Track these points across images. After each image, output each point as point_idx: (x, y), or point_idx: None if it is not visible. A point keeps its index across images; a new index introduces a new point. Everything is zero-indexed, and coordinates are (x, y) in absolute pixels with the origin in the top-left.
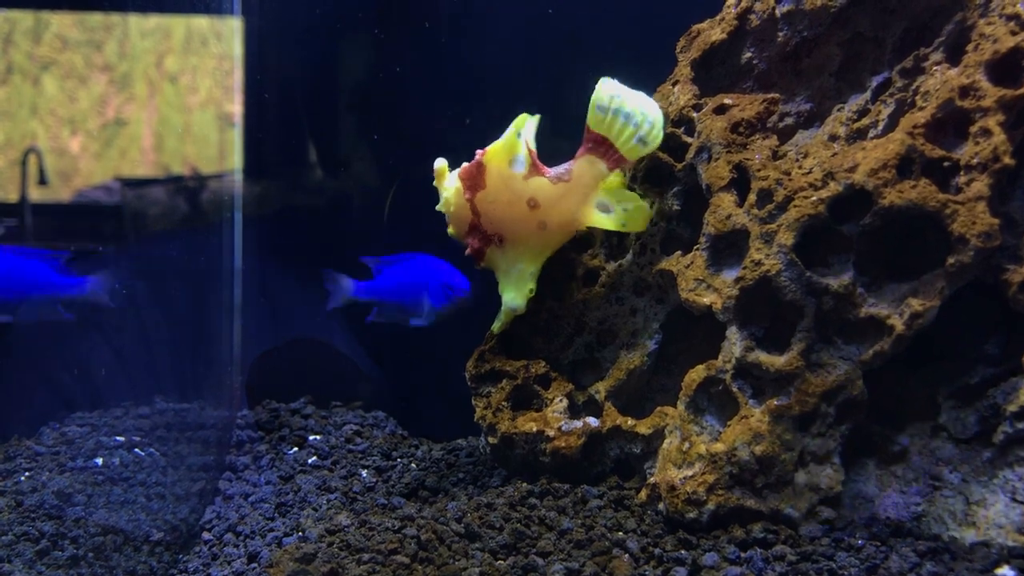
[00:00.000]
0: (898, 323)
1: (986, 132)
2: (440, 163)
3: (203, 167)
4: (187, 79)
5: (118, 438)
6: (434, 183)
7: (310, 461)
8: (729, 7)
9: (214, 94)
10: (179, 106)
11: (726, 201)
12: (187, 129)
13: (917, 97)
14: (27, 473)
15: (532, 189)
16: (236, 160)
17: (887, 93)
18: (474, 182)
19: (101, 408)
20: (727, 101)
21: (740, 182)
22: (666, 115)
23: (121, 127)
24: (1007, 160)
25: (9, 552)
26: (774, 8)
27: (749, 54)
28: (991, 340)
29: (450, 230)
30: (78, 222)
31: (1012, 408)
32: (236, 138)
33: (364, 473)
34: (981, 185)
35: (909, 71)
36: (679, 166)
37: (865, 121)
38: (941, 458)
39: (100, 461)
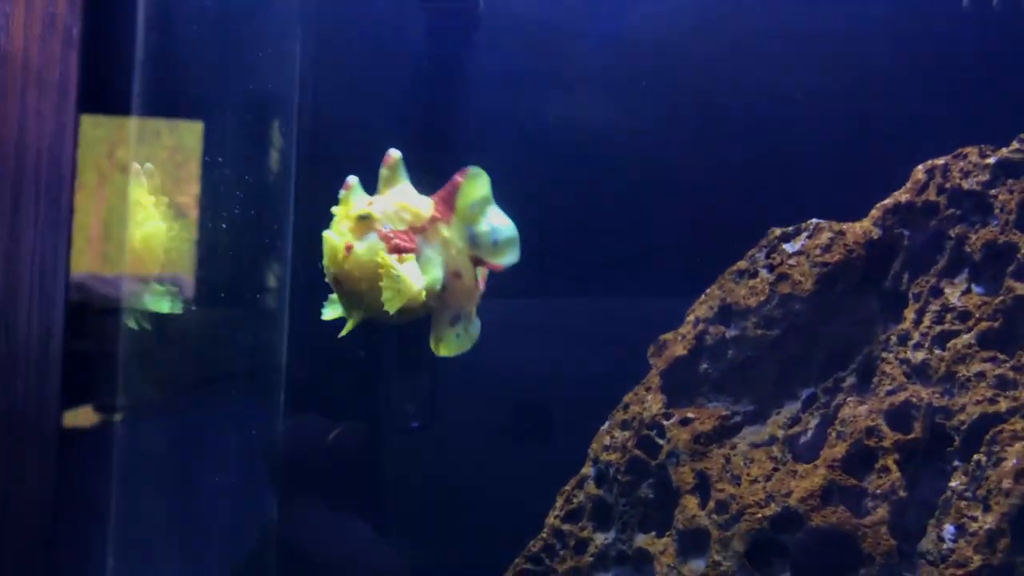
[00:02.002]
0: None
1: (886, 469)
2: None
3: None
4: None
5: None
6: None
7: None
8: (688, 326)
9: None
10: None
11: (691, 503)
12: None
13: (836, 421)
14: None
15: None
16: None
17: (814, 407)
18: None
19: None
20: (690, 415)
21: (702, 487)
22: (642, 419)
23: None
24: (902, 493)
25: None
26: (724, 333)
27: (705, 365)
28: None
29: None
30: None
31: None
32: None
33: None
34: (883, 512)
35: (830, 390)
36: (653, 463)
37: (797, 428)
38: None
39: None
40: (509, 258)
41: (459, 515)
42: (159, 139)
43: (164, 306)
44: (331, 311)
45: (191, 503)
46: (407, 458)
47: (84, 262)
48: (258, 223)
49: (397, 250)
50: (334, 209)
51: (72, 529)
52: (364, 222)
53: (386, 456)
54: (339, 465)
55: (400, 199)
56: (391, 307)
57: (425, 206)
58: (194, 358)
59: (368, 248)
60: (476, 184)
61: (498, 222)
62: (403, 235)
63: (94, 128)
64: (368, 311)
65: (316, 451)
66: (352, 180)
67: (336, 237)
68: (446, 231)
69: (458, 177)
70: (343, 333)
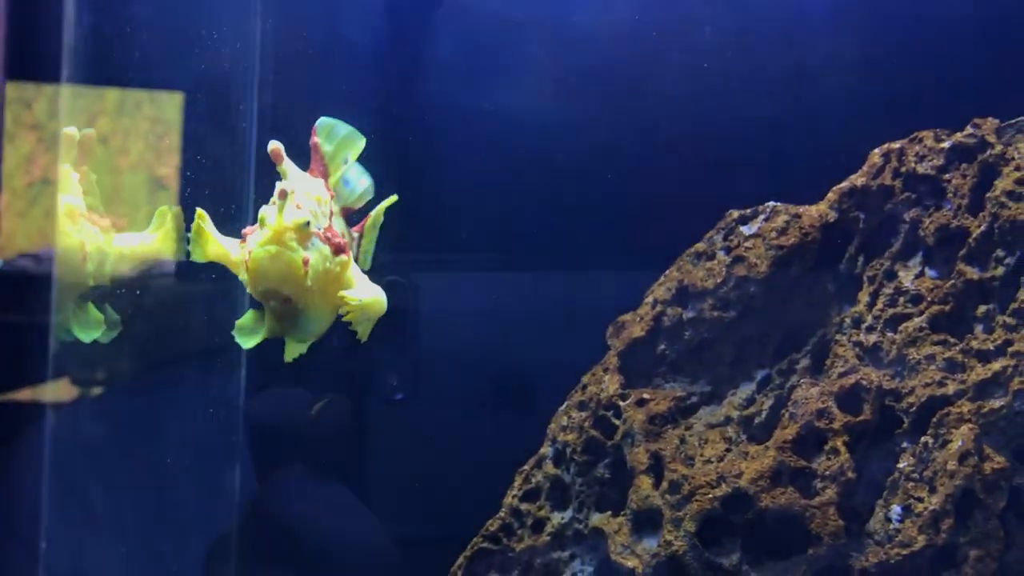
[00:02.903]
0: None
1: (835, 451)
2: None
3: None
4: (118, 140)
5: None
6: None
7: None
8: (646, 307)
9: (145, 157)
10: (109, 167)
11: (645, 483)
12: (116, 191)
13: (789, 403)
14: None
15: None
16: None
17: (768, 388)
18: None
19: None
20: (645, 396)
21: (656, 467)
22: (599, 400)
23: (47, 186)
24: (851, 474)
25: None
26: (682, 314)
27: (663, 346)
28: None
29: None
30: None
31: None
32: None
33: None
34: (832, 493)
35: (785, 371)
36: (609, 444)
37: (752, 409)
38: None
39: None
40: (368, 196)
41: (437, 488)
42: (139, 110)
43: (91, 333)
44: (293, 349)
45: (145, 484)
46: (389, 430)
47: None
48: (214, 200)
49: (338, 250)
50: (267, 219)
51: (4, 507)
52: (305, 229)
53: (370, 428)
54: (323, 438)
55: (308, 190)
56: (365, 335)
57: (321, 187)
58: (151, 336)
59: (320, 257)
60: (330, 137)
61: (354, 170)
62: (332, 231)
63: (74, 99)
64: (319, 328)
65: (300, 425)
66: (286, 186)
67: (292, 252)
68: (335, 203)
69: (315, 139)
70: (291, 358)
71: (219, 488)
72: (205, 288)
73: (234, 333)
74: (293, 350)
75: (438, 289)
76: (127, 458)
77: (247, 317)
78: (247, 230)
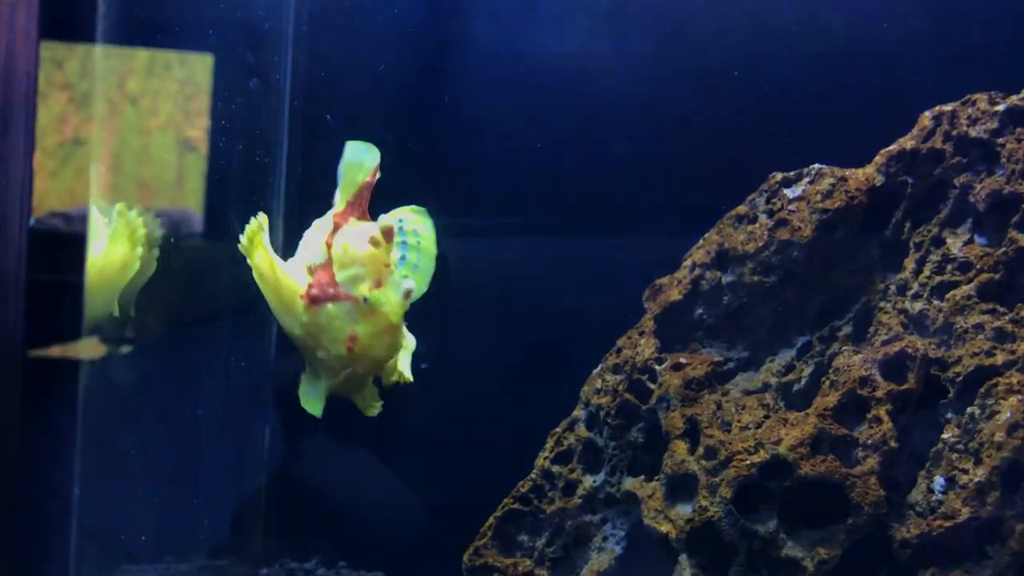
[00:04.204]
0: (810, 565)
1: (878, 419)
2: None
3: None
4: (148, 101)
5: None
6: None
7: None
8: (684, 271)
9: (175, 118)
10: (138, 128)
11: (680, 448)
12: (145, 152)
13: (830, 370)
14: None
15: None
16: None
17: (808, 355)
18: None
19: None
20: (682, 360)
21: (692, 432)
22: (634, 363)
23: (79, 147)
24: (893, 444)
25: None
26: (720, 278)
27: (700, 311)
28: None
29: None
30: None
31: None
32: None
33: None
34: (873, 462)
35: (825, 338)
36: (644, 408)
37: (791, 376)
38: None
39: None
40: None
41: (461, 451)
42: (169, 71)
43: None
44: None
45: (176, 438)
46: (411, 393)
47: (97, 192)
48: (248, 158)
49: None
50: (380, 299)
51: (39, 458)
52: (407, 300)
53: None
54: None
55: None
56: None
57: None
58: (183, 294)
59: (395, 288)
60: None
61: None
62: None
63: (106, 59)
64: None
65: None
66: (391, 222)
67: (401, 333)
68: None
69: (371, 177)
70: (318, 410)
71: (249, 447)
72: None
73: (302, 403)
74: (364, 404)
75: (469, 255)
76: (158, 414)
77: (307, 381)
78: (308, 259)
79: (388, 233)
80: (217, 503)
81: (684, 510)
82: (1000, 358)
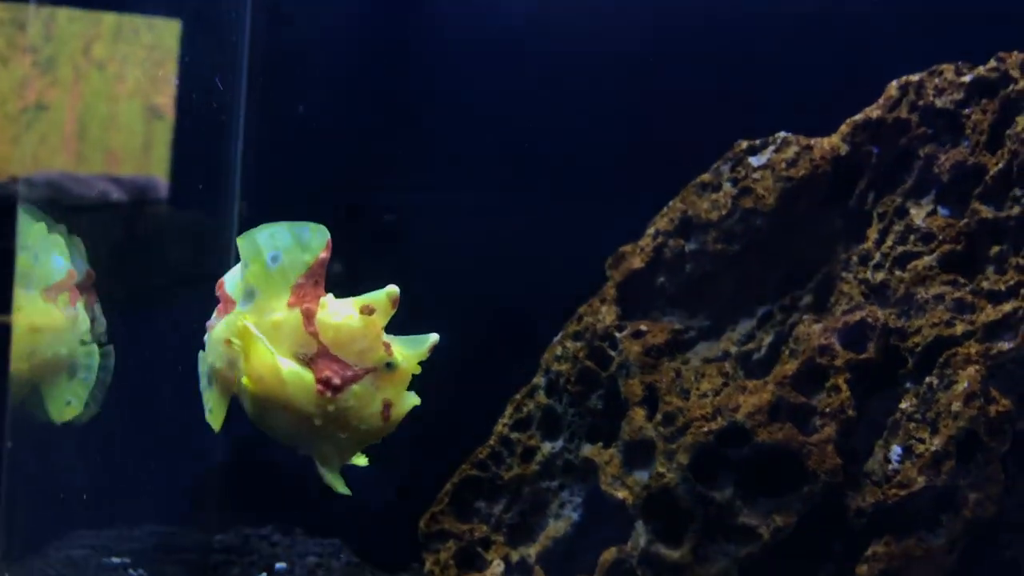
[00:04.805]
0: (765, 532)
1: (836, 388)
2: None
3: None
4: (115, 67)
5: (114, 559)
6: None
7: None
8: (647, 239)
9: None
10: (105, 95)
11: (639, 415)
12: (112, 119)
13: (790, 339)
14: None
15: None
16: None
17: (769, 324)
18: None
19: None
20: (643, 327)
21: (650, 399)
22: (595, 330)
23: (42, 111)
24: (851, 412)
25: None
26: (684, 246)
27: (662, 279)
28: (834, 547)
29: None
30: None
31: None
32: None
33: None
34: (830, 431)
35: (787, 308)
36: (604, 375)
37: (751, 345)
38: None
39: None
40: None
41: (418, 418)
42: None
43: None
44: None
45: (133, 403)
46: None
47: (59, 160)
48: (206, 123)
49: None
50: (359, 332)
51: None
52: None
53: None
54: None
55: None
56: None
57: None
58: (148, 261)
59: (405, 344)
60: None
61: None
62: None
63: (71, 22)
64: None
65: None
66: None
67: (410, 351)
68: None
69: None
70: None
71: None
72: (193, 216)
73: (332, 487)
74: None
75: (431, 222)
76: (115, 380)
77: (325, 469)
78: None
79: (394, 301)
80: (172, 470)
81: (641, 476)
82: (960, 328)
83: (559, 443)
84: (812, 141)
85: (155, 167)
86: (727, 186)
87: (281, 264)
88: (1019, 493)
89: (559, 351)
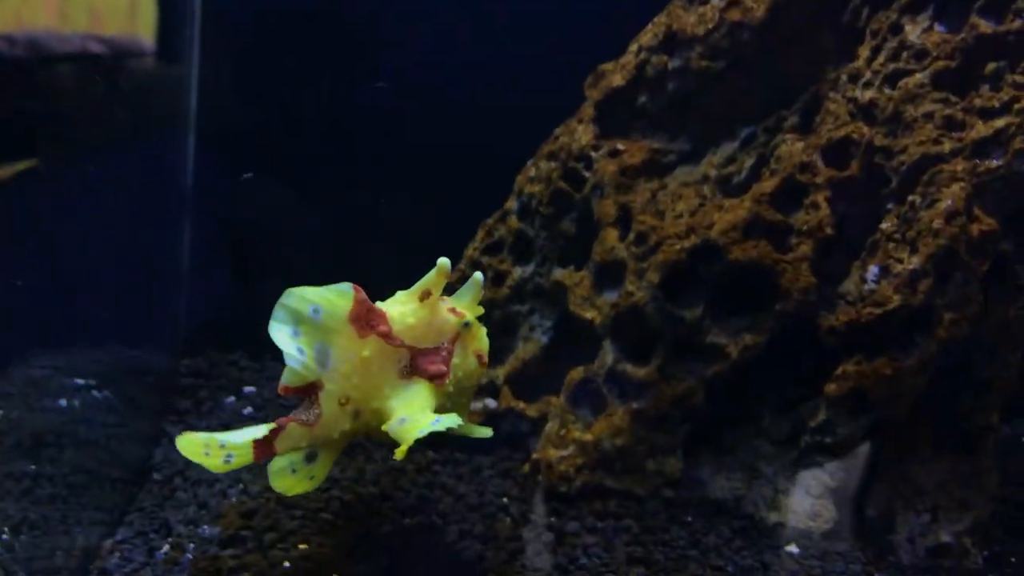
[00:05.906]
0: (734, 351)
1: (815, 205)
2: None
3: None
4: None
5: (78, 380)
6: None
7: (245, 412)
8: (630, 55)
9: None
10: None
11: (611, 235)
12: None
13: (772, 159)
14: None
15: None
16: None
17: (752, 146)
18: None
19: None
20: (619, 147)
21: (624, 219)
22: (570, 150)
23: None
24: (828, 231)
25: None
26: (667, 63)
27: (644, 98)
28: (804, 367)
29: None
30: None
31: (812, 423)
32: None
33: None
34: (807, 248)
35: (771, 129)
36: (577, 196)
37: (732, 168)
38: (760, 454)
39: (65, 402)
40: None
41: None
42: None
43: None
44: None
45: (103, 232)
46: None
47: (41, 17)
48: None
49: None
50: (423, 316)
51: None
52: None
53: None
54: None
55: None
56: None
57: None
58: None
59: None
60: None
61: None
62: None
63: None
64: None
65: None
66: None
67: (467, 301)
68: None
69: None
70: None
71: (172, 243)
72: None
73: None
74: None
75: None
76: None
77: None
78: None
79: (445, 272)
80: (134, 294)
81: (610, 296)
82: (947, 146)
83: (531, 267)
84: None
85: (140, 28)
86: None
87: (324, 310)
88: (996, 316)
89: (532, 172)
